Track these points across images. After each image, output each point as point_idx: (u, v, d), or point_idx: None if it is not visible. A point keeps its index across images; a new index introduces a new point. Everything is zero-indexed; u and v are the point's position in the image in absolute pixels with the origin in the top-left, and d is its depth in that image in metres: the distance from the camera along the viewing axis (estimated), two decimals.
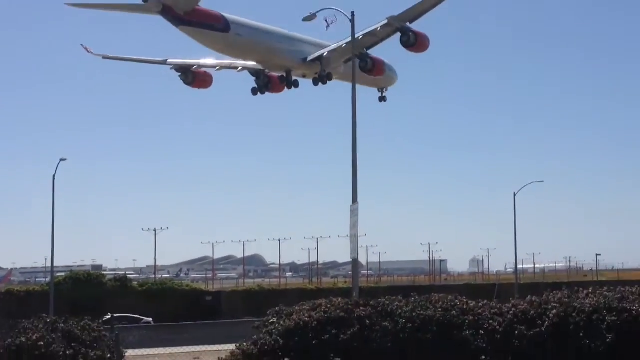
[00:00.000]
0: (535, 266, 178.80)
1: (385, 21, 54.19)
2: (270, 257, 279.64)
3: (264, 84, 61.25)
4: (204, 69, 61.35)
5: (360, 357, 19.51)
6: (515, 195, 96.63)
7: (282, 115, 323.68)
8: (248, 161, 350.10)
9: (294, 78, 61.09)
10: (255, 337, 20.25)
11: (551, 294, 21.52)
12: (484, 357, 20.07)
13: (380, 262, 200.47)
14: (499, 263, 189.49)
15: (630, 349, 19.41)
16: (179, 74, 60.08)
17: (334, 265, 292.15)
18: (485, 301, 22.15)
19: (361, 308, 20.40)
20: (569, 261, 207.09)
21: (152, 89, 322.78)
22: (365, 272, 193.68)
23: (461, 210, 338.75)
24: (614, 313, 19.84)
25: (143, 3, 50.26)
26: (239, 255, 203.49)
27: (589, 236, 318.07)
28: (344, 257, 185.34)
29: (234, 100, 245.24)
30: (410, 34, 53.99)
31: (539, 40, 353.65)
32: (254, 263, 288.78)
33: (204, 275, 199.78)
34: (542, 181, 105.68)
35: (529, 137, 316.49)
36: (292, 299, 52.78)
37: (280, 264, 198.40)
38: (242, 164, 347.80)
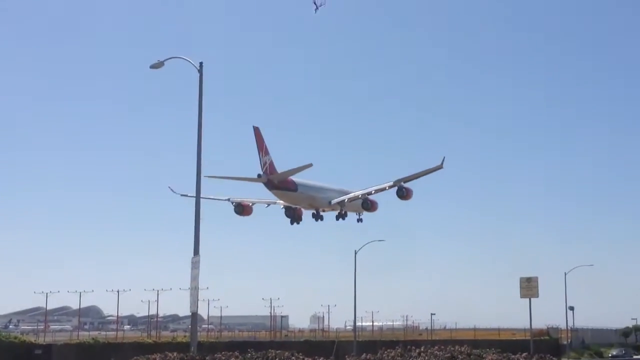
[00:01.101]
0: (374, 324, 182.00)
1: (392, 183, 78.81)
2: (108, 309, 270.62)
3: (294, 215, 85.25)
4: (250, 203, 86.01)
5: None
6: (356, 252, 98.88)
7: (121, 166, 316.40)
8: (85, 207, 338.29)
9: (320, 213, 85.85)
10: None
11: (385, 352, 22.11)
12: None
13: (221, 316, 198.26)
14: (340, 320, 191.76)
15: None
16: (234, 206, 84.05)
17: (174, 318, 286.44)
18: (322, 359, 22.45)
19: None
20: (406, 320, 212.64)
21: None
22: (206, 326, 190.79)
23: (304, 266, 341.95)
24: None
25: (257, 177, 77.31)
26: (75, 306, 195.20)
27: (425, 296, 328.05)
28: (185, 310, 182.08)
29: None
30: (404, 189, 77.82)
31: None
32: (90, 315, 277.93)
33: (36, 327, 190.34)
34: (383, 240, 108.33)
35: None
36: (127, 353, 51.54)
37: (117, 316, 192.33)
38: (80, 210, 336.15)
